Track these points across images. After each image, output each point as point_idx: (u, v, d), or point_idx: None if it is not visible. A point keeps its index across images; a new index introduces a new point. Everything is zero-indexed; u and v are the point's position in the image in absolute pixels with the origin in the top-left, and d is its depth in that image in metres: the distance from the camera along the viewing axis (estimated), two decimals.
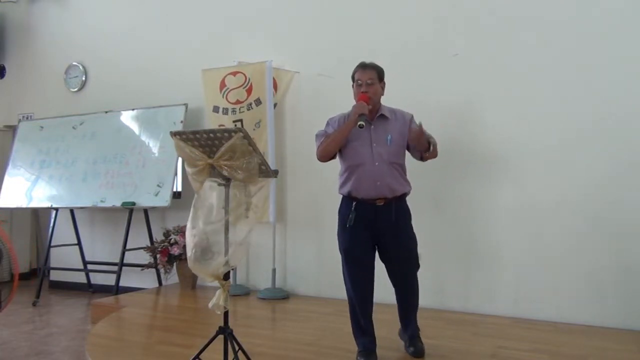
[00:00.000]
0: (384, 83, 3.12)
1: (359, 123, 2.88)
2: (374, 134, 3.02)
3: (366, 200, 3.00)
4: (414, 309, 3.19)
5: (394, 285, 3.13)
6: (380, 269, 3.12)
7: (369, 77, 3.03)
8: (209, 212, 2.72)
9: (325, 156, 3.08)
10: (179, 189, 5.66)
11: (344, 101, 4.82)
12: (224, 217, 2.66)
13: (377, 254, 3.12)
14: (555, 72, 4.05)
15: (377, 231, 3.01)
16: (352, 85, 3.11)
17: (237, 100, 5.03)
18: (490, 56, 4.27)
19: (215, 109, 5.13)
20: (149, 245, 5.50)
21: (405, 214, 3.07)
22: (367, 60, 3.12)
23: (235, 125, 4.87)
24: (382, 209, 2.99)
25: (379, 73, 3.08)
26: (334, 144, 3.03)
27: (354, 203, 3.03)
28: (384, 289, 3.16)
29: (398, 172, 3.03)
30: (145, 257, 5.48)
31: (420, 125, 2.90)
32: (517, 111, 4.18)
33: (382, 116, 3.06)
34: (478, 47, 4.31)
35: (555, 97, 4.06)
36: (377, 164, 2.97)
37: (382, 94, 3.11)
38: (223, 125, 4.83)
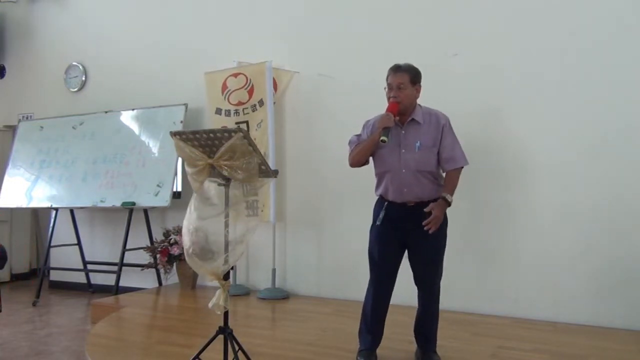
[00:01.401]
0: (420, 86, 2.97)
1: (381, 138, 2.82)
2: (403, 139, 2.94)
3: (397, 203, 2.97)
4: (432, 321, 3.06)
5: (418, 289, 3.07)
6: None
7: (400, 81, 2.90)
8: (206, 209, 2.71)
9: (355, 164, 3.06)
10: (179, 189, 5.66)
11: (344, 101, 4.87)
12: (224, 217, 2.66)
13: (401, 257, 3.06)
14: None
15: (405, 230, 2.96)
16: (384, 88, 3.01)
17: (238, 101, 5.04)
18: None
19: (218, 111, 5.15)
20: (149, 245, 5.50)
21: None
22: (401, 62, 2.99)
23: (239, 127, 4.88)
24: (413, 209, 2.93)
25: (413, 76, 2.94)
26: (361, 155, 3.01)
27: (385, 203, 3.00)
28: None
29: (427, 179, 2.92)
30: (145, 257, 5.48)
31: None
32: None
33: (414, 121, 2.95)
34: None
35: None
36: (404, 171, 2.91)
37: (417, 97, 2.98)
38: (225, 127, 4.84)
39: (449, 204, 2.93)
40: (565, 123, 4.06)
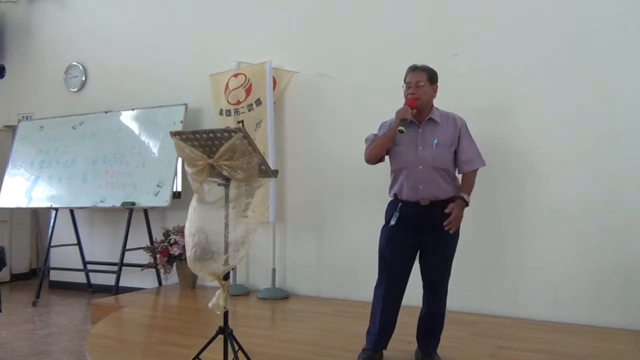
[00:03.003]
0: (437, 86, 3.03)
1: (399, 128, 2.84)
2: (421, 137, 2.96)
3: (411, 202, 2.97)
4: (438, 321, 3.07)
5: (424, 290, 3.07)
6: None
7: (418, 79, 2.95)
8: (208, 211, 2.71)
9: (371, 160, 3.06)
10: (179, 189, 5.67)
11: (344, 101, 4.87)
12: (224, 217, 2.66)
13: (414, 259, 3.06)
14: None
15: (419, 229, 2.95)
16: (402, 86, 3.02)
17: (237, 100, 5.04)
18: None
19: (221, 112, 5.15)
20: (149, 245, 5.50)
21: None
22: (418, 63, 3.02)
23: (240, 127, 4.88)
24: (427, 208, 2.94)
25: (431, 75, 2.99)
26: (379, 149, 3.01)
27: (399, 204, 3.00)
28: None
29: (442, 177, 2.94)
30: (145, 257, 5.48)
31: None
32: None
33: (432, 120, 2.98)
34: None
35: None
36: (420, 167, 2.92)
37: (434, 97, 3.02)
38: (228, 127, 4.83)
39: (467, 204, 2.96)
40: (566, 125, 4.05)
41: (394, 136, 2.93)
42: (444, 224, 2.88)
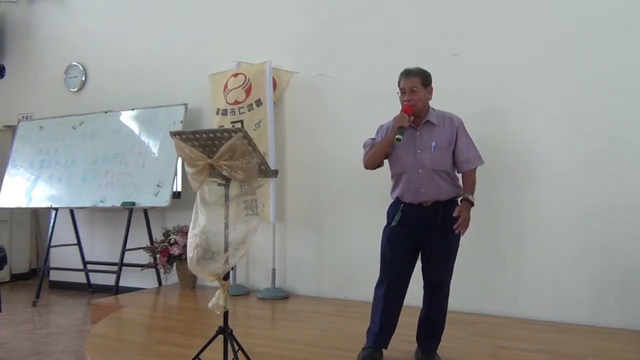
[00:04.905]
0: (431, 88, 3.01)
1: (396, 137, 2.85)
2: (419, 140, 2.97)
3: (413, 204, 2.98)
4: (439, 322, 3.08)
5: (425, 290, 3.08)
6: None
7: (412, 85, 2.94)
8: (210, 212, 2.71)
9: (370, 166, 3.07)
10: (179, 189, 5.67)
11: (344, 101, 4.87)
12: (224, 217, 2.66)
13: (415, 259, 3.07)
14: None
15: (420, 229, 2.96)
16: (397, 93, 3.03)
17: (235, 100, 5.03)
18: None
19: (218, 111, 5.14)
20: (149, 245, 5.50)
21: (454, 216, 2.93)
22: (411, 66, 3.01)
23: (234, 126, 4.88)
24: (429, 208, 2.96)
25: (424, 78, 2.98)
26: (377, 156, 3.02)
27: (401, 205, 3.01)
28: None
29: (443, 179, 2.96)
30: (145, 257, 5.48)
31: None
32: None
33: (429, 122, 2.99)
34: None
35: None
36: (420, 171, 2.94)
37: (430, 99, 3.01)
38: (222, 126, 4.83)
39: (472, 204, 2.97)
40: (566, 125, 4.05)
41: (392, 143, 2.93)
42: (454, 227, 2.89)
